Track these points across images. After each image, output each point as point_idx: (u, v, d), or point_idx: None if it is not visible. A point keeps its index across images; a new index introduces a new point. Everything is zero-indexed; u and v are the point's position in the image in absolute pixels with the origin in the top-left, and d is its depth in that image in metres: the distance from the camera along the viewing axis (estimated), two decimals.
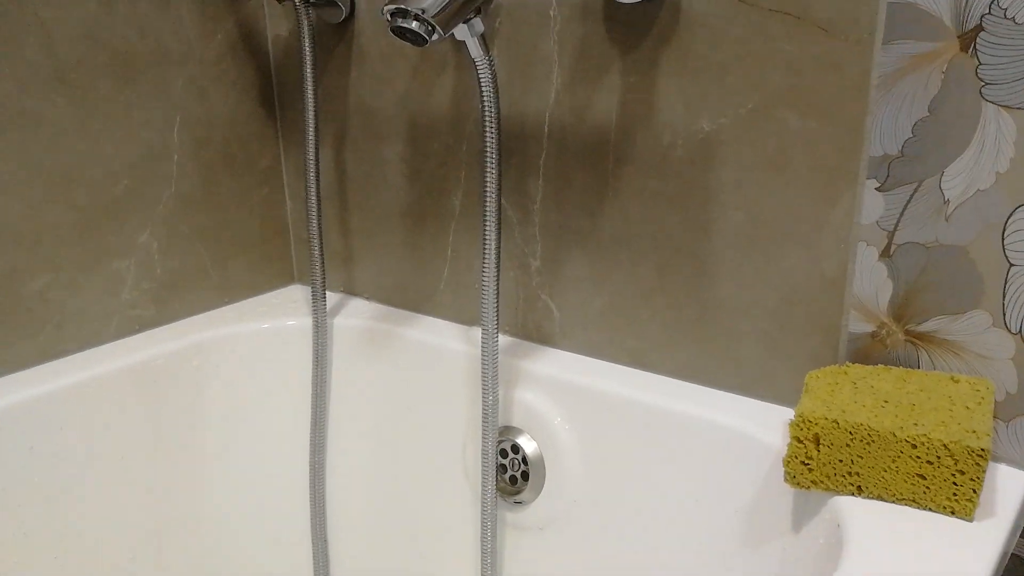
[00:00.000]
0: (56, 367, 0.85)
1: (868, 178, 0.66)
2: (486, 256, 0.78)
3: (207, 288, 1.00)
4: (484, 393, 0.82)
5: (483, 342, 0.81)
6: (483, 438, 0.83)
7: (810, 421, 0.60)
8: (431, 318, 0.98)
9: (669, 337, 0.81)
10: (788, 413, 0.74)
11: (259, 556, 1.01)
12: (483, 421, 0.83)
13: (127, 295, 0.92)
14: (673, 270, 0.78)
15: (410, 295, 1.00)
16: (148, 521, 0.90)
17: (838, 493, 0.61)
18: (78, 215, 0.87)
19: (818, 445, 0.60)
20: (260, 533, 1.01)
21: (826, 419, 0.60)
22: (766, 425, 0.72)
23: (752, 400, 0.76)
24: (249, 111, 1.01)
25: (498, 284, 0.79)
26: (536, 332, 0.90)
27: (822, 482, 0.61)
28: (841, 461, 0.60)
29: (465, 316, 0.96)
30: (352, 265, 1.04)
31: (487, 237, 0.78)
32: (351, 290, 1.05)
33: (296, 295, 1.07)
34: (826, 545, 0.60)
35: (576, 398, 0.83)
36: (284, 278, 1.09)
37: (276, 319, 0.99)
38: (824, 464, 0.60)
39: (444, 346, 0.92)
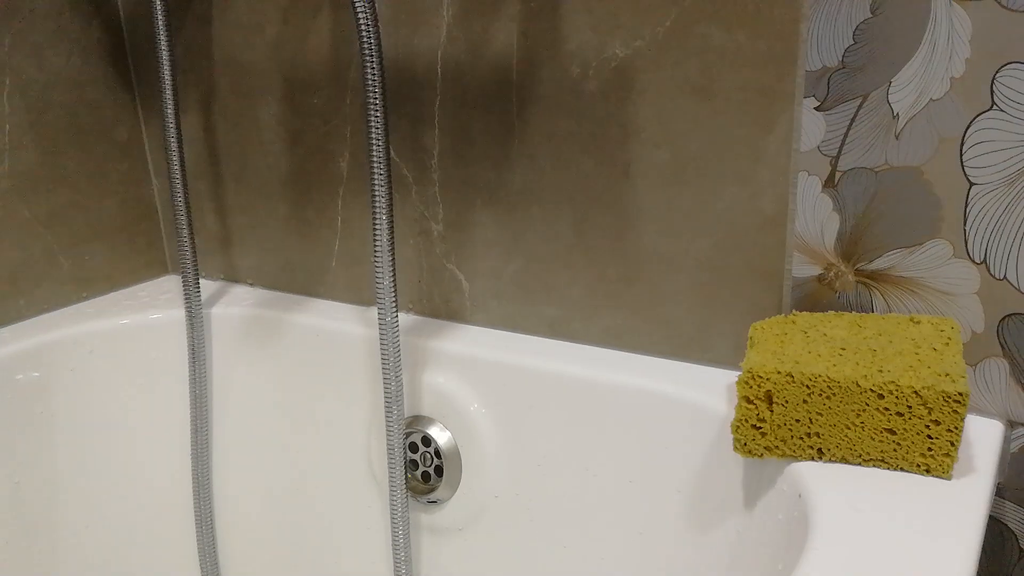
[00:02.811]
0: None
1: (806, 96, 0.57)
2: (377, 223, 0.67)
3: (57, 281, 0.86)
4: (385, 380, 0.71)
5: (380, 321, 0.70)
6: (388, 431, 0.72)
7: (760, 377, 0.51)
8: (324, 301, 0.86)
9: (592, 301, 0.71)
10: (730, 376, 0.65)
11: None
12: (387, 412, 0.72)
13: None
14: (592, 223, 0.69)
15: (299, 277, 0.87)
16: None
17: (796, 459, 0.52)
18: None
19: (771, 404, 0.51)
20: (139, 560, 0.87)
21: (778, 373, 0.51)
22: (707, 389, 0.63)
23: (689, 364, 0.67)
24: (98, 73, 0.87)
25: (393, 255, 0.68)
26: (444, 307, 0.79)
27: (777, 447, 0.52)
28: (798, 421, 0.51)
29: (363, 296, 0.84)
30: (231, 248, 0.91)
31: (377, 201, 0.67)
32: (233, 277, 0.92)
33: (169, 286, 0.93)
34: (786, 521, 0.51)
35: (492, 378, 0.73)
36: (155, 268, 0.95)
37: (140, 313, 0.85)
38: (779, 426, 0.52)
39: (339, 330, 0.80)
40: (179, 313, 0.86)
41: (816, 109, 0.57)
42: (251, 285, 0.91)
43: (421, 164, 0.76)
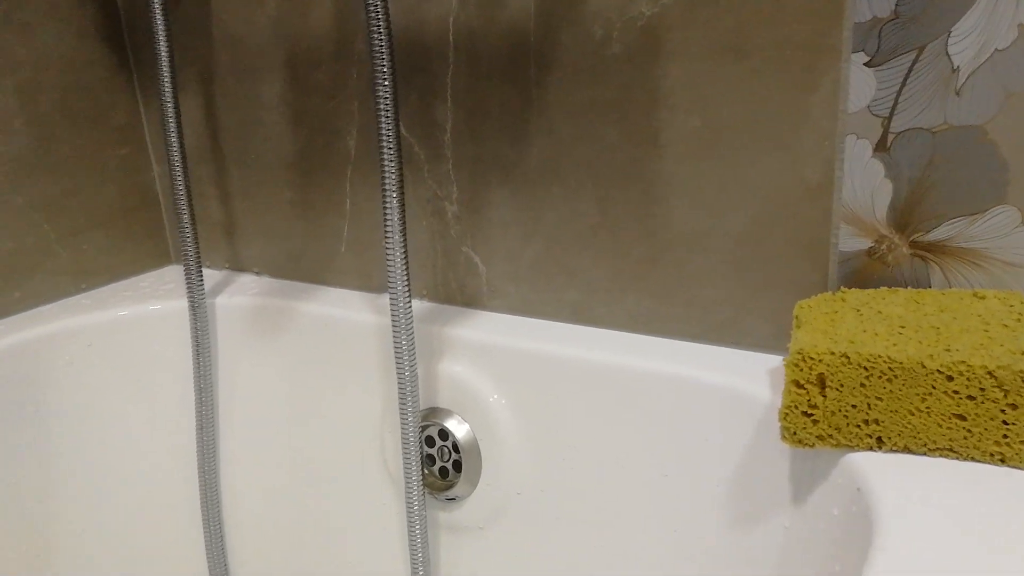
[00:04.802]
0: None
1: (854, 51, 0.52)
2: (388, 204, 0.63)
3: (55, 272, 0.82)
4: (399, 370, 0.67)
5: (393, 309, 0.65)
6: (403, 425, 0.68)
7: (812, 358, 0.46)
8: (333, 288, 0.82)
9: (617, 284, 0.66)
10: (769, 360, 0.60)
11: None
12: (401, 404, 0.67)
13: None
14: (616, 199, 0.64)
15: (306, 264, 0.83)
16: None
17: (852, 449, 0.47)
18: None
19: (823, 389, 0.47)
20: (143, 560, 0.83)
21: (832, 354, 0.46)
22: (745, 375, 0.58)
23: (723, 349, 0.63)
24: (92, 54, 0.82)
25: (405, 237, 0.63)
26: (460, 294, 0.75)
27: (831, 436, 0.47)
28: (854, 407, 0.46)
29: (373, 282, 0.80)
30: (235, 236, 0.87)
31: (387, 180, 0.62)
32: (238, 265, 0.88)
33: (171, 276, 0.89)
34: (843, 517, 0.46)
35: (512, 366, 0.68)
36: (157, 258, 0.91)
37: (140, 304, 0.81)
38: (832, 413, 0.47)
39: (349, 319, 0.76)
40: (181, 304, 0.82)
41: (866, 65, 0.52)
42: (257, 274, 0.87)
43: (433, 140, 0.71)
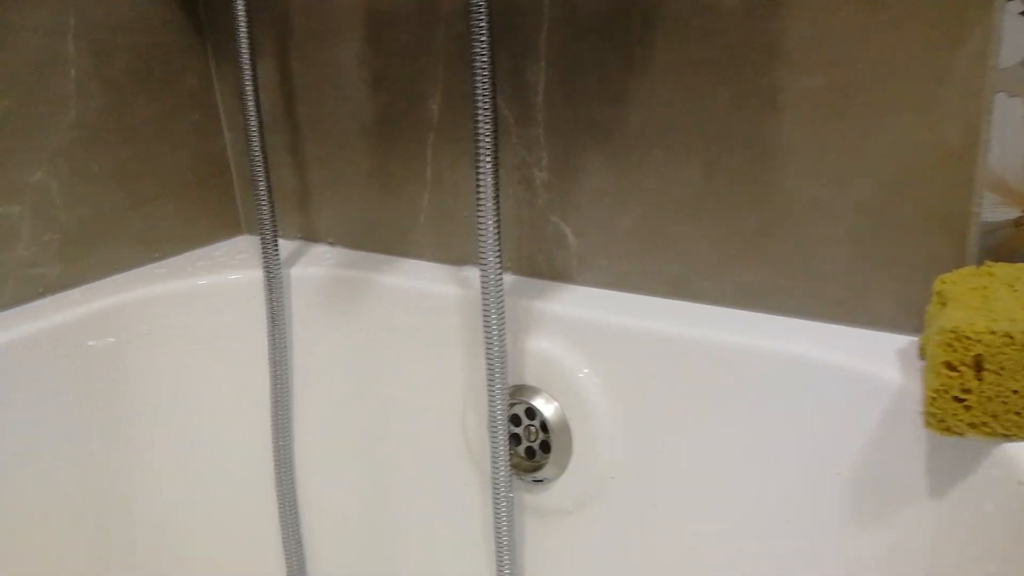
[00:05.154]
0: None
1: None
2: (481, 172, 0.59)
3: (128, 241, 0.80)
4: (488, 345, 0.63)
5: (483, 281, 0.62)
6: (490, 402, 0.65)
7: (969, 338, 0.42)
8: (411, 260, 0.79)
9: (723, 256, 0.62)
10: (896, 341, 0.56)
11: (219, 560, 0.82)
12: (488, 381, 0.64)
13: (24, 250, 0.72)
14: (726, 166, 0.60)
15: (383, 234, 0.80)
16: (77, 541, 0.71)
17: (1011, 438, 0.42)
18: None
19: (979, 371, 0.42)
20: (216, 537, 0.82)
21: (993, 333, 0.41)
22: (870, 356, 0.54)
23: (842, 327, 0.58)
24: (165, 15, 0.80)
25: (498, 206, 0.60)
26: (546, 266, 0.71)
27: (985, 424, 0.43)
28: (1015, 392, 0.42)
29: (453, 254, 0.76)
30: (309, 205, 0.84)
31: (481, 147, 0.59)
32: (311, 236, 0.86)
33: (244, 246, 0.87)
34: (1000, 515, 0.41)
35: (605, 342, 0.64)
36: (228, 228, 0.89)
37: (216, 274, 0.79)
38: (989, 399, 0.42)
39: (431, 291, 0.73)
40: (256, 274, 0.79)
41: (1021, 14, 0.47)
42: (331, 244, 0.85)
43: (523, 103, 0.67)
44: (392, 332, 0.75)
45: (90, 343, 0.72)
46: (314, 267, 0.79)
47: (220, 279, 0.78)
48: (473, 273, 0.74)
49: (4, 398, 0.66)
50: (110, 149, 0.77)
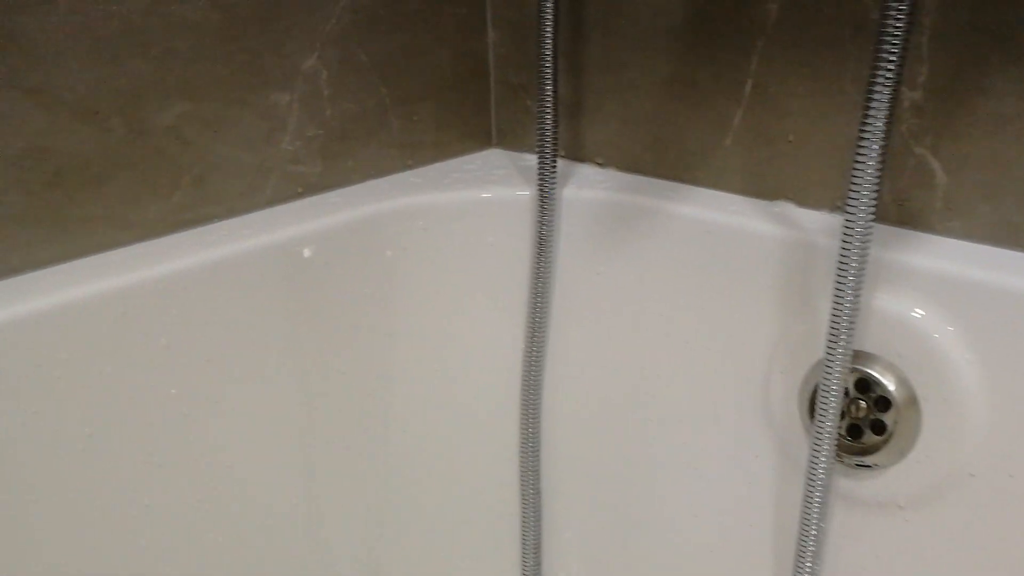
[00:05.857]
0: (199, 236, 0.60)
1: None
2: (877, 86, 0.47)
3: (387, 144, 0.72)
4: (837, 299, 0.52)
5: (847, 226, 0.50)
6: (826, 368, 0.53)
7: None
8: (704, 189, 0.67)
9: None
10: None
11: (459, 488, 0.76)
12: (830, 343, 0.53)
13: (289, 144, 0.66)
14: None
15: (669, 156, 0.69)
16: (305, 464, 0.66)
17: None
18: (223, 17, 0.60)
19: None
20: (461, 457, 0.75)
21: None
22: None
23: None
24: None
25: (888, 132, 0.47)
26: (896, 209, 0.58)
27: None
28: None
29: (763, 186, 0.64)
30: (580, 118, 0.74)
31: (885, 53, 0.46)
32: (575, 155, 0.75)
33: (497, 160, 0.78)
34: None
35: (981, 308, 0.51)
36: (478, 140, 0.80)
37: (477, 188, 0.70)
38: None
39: (740, 227, 0.61)
40: (521, 194, 0.70)
41: None
42: (600, 165, 0.74)
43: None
44: (681, 272, 0.65)
45: (352, 248, 0.65)
46: (589, 190, 0.69)
47: (481, 195, 0.70)
48: (788, 209, 0.62)
49: (263, 303, 0.60)
50: (379, 39, 0.69)
